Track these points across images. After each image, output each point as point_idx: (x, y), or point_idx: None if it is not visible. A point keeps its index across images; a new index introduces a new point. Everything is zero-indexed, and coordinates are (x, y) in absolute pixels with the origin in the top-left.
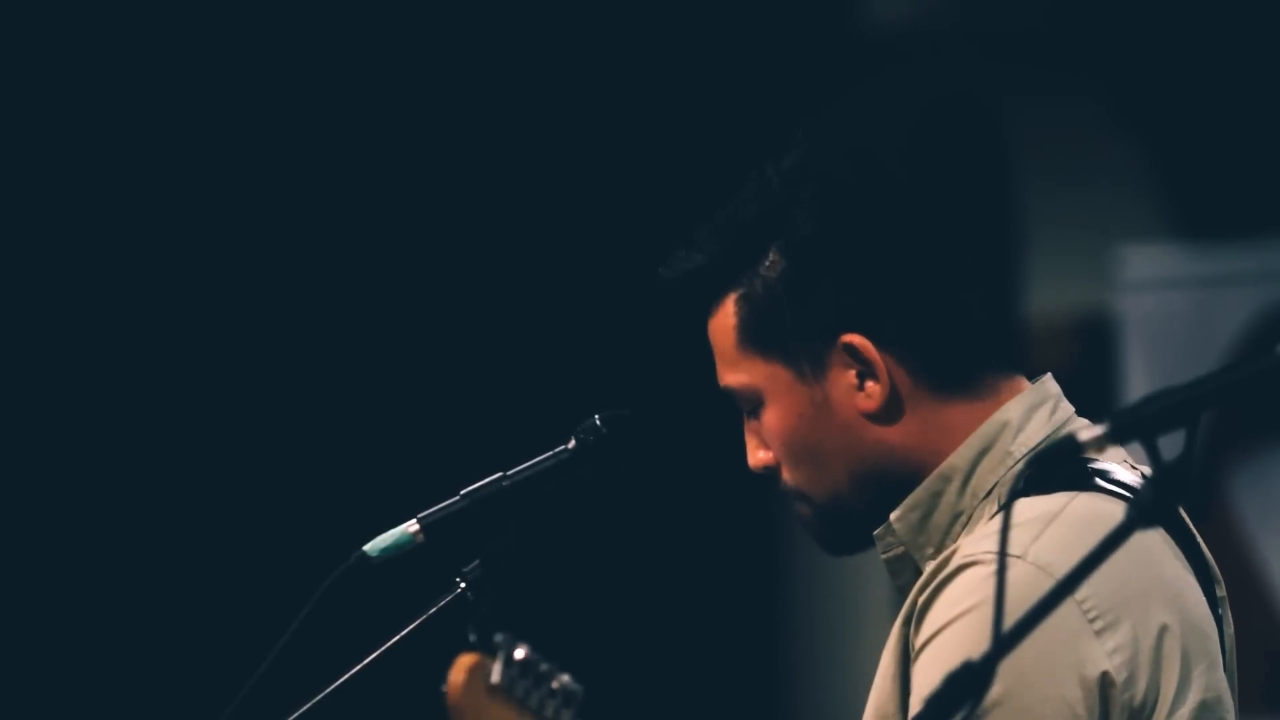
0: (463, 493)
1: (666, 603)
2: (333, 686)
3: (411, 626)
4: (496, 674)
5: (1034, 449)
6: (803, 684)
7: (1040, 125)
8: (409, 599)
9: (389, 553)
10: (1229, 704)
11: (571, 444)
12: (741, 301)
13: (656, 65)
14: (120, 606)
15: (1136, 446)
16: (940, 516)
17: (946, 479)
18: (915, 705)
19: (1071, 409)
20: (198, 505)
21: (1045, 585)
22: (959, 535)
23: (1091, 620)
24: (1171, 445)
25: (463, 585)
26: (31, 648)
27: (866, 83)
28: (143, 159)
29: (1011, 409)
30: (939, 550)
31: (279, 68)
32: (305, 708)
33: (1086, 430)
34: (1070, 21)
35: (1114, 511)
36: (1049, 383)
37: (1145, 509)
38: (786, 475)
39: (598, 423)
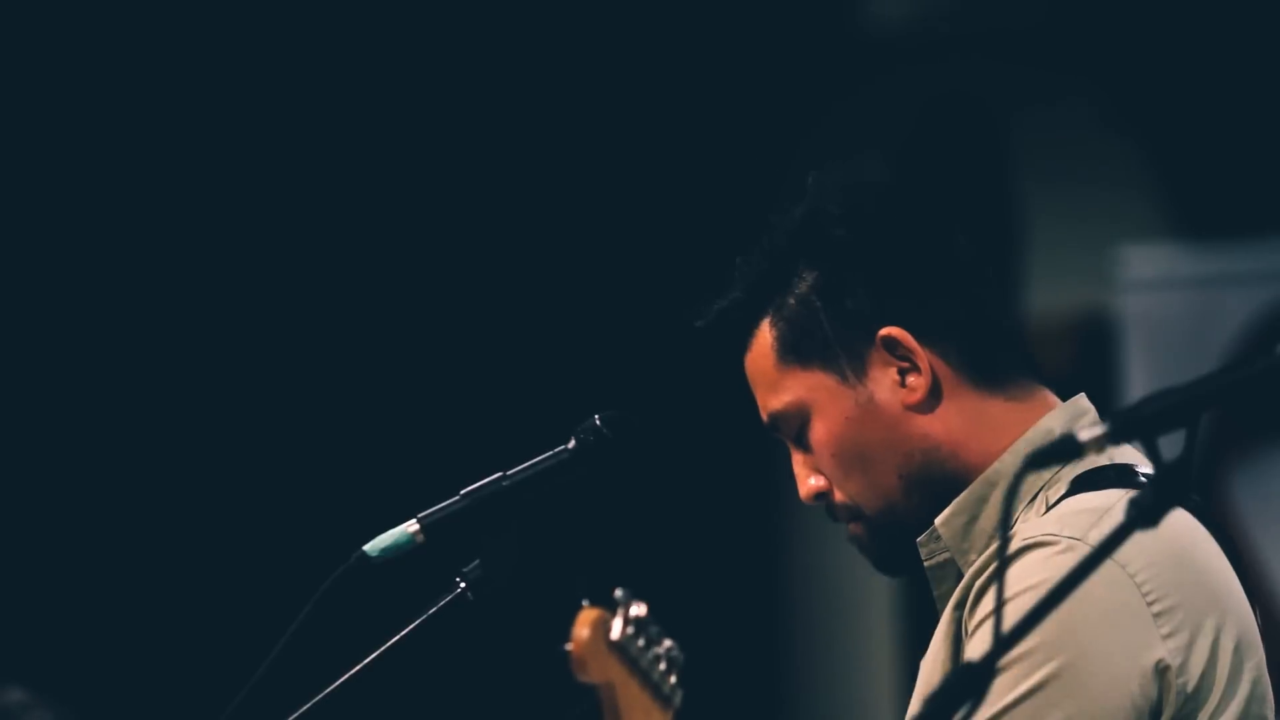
0: (463, 493)
1: (667, 604)
2: (333, 686)
3: (411, 626)
4: (617, 631)
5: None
6: (804, 684)
7: (1040, 125)
8: (409, 599)
9: (389, 553)
10: (1272, 704)
11: (571, 444)
12: (776, 320)
13: (657, 66)
14: (121, 606)
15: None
16: (985, 521)
17: (992, 484)
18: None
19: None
20: (198, 506)
21: (1104, 569)
22: None
23: (1150, 603)
24: (1172, 445)
25: (463, 585)
26: (32, 648)
27: (868, 85)
28: (143, 159)
29: (1055, 418)
30: (982, 555)
31: (279, 68)
32: (305, 708)
33: (1086, 430)
34: (1070, 21)
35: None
36: (1084, 399)
37: (1145, 509)
38: (838, 493)
39: (598, 423)
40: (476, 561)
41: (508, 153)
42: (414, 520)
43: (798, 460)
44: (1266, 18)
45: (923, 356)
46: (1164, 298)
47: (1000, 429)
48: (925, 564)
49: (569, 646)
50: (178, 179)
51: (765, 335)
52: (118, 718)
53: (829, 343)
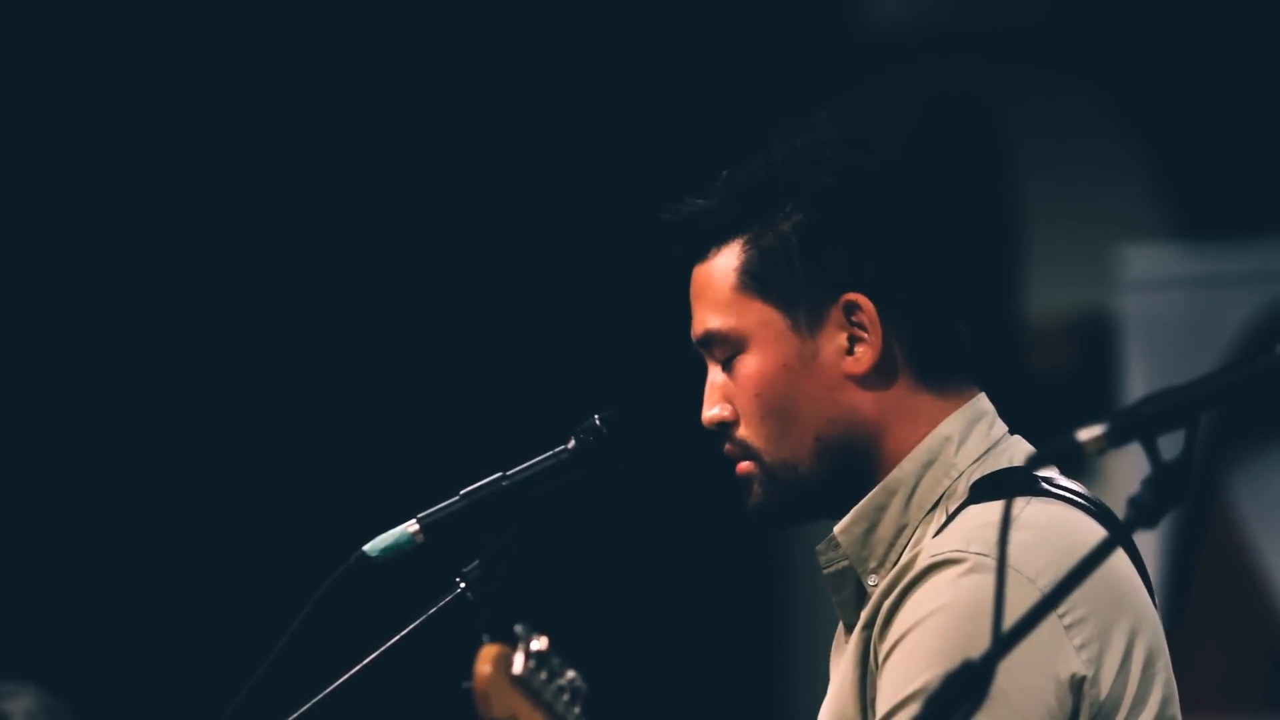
0: (463, 493)
1: (667, 604)
2: (333, 686)
3: (411, 626)
4: (519, 665)
5: (976, 460)
6: (804, 685)
7: (1040, 125)
8: (409, 599)
9: (389, 553)
10: (1178, 703)
11: (571, 444)
12: (750, 245)
13: (657, 65)
14: (122, 607)
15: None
16: (884, 530)
17: (891, 492)
18: (884, 705)
19: (1005, 427)
20: (198, 506)
21: (1017, 582)
22: (902, 549)
23: (1061, 615)
24: (1171, 445)
25: (463, 585)
26: (33, 649)
27: (868, 83)
28: (143, 159)
29: (951, 424)
30: (882, 564)
31: (279, 68)
32: (305, 708)
33: (1086, 430)
34: (1069, 21)
35: (1066, 513)
36: (983, 399)
37: (1145, 509)
38: (745, 430)
39: (597, 423)
40: (476, 561)
41: (506, 152)
42: (414, 520)
43: (714, 383)
44: (1266, 18)
45: (878, 331)
46: (1164, 298)
47: (923, 420)
48: (824, 571)
49: (471, 683)
50: (177, 179)
51: (732, 254)
52: (118, 718)
53: (794, 286)
